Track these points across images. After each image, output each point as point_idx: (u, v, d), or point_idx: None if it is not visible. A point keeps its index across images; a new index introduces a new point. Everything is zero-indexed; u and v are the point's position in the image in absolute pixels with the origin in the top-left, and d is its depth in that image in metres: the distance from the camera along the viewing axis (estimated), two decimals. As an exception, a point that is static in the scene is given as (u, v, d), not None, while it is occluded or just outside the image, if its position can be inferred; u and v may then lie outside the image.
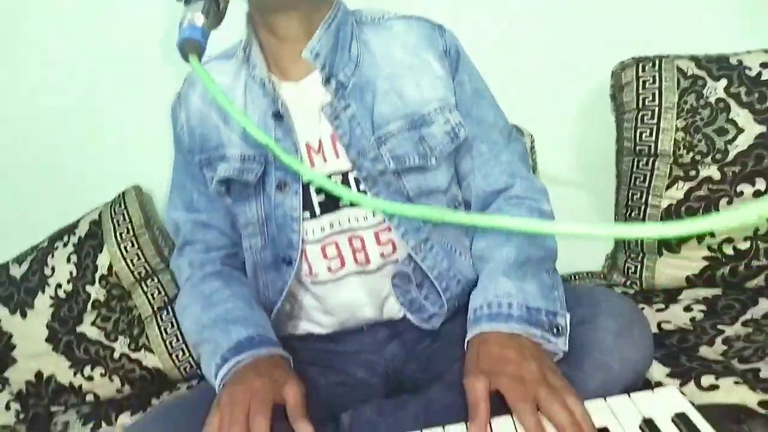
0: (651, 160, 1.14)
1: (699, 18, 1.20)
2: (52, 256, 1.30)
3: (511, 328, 0.68)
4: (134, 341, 1.26)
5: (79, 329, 1.27)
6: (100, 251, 1.26)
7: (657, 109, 1.11)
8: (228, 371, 0.74)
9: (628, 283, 1.23)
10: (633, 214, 1.18)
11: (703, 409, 0.55)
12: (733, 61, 1.11)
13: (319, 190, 0.80)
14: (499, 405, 0.61)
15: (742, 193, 1.08)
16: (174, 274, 0.94)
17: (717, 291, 1.13)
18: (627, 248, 1.22)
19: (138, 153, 1.35)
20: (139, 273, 1.25)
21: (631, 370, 0.68)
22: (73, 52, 1.30)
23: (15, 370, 1.31)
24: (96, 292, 1.26)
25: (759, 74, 1.08)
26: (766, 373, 0.86)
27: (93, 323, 1.26)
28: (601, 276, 1.32)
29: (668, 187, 1.13)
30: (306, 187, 0.80)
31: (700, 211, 1.11)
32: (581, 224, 0.30)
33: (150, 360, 1.27)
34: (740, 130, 1.07)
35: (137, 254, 1.25)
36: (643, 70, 1.13)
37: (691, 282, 1.16)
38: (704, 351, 0.96)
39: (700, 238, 1.12)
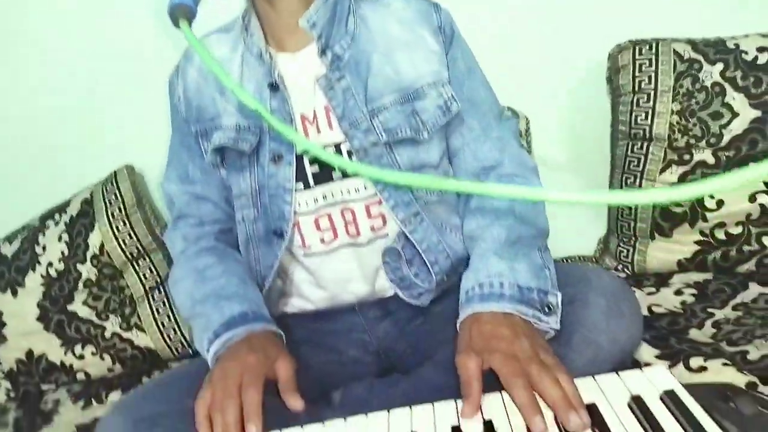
0: (645, 144, 1.14)
1: (697, 1, 1.19)
2: (44, 234, 1.30)
3: (502, 307, 0.68)
4: (126, 320, 1.26)
5: (70, 308, 1.26)
6: (92, 230, 1.25)
7: (653, 92, 1.11)
8: (221, 346, 0.74)
9: (620, 267, 1.23)
10: (626, 198, 1.17)
11: (691, 388, 0.55)
12: (730, 44, 1.10)
13: (312, 162, 0.81)
14: (490, 383, 0.61)
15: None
16: (168, 247, 0.94)
17: (708, 275, 1.14)
18: (619, 232, 1.22)
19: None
20: (131, 253, 1.25)
21: (620, 348, 0.68)
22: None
23: (6, 348, 1.31)
24: (87, 271, 1.25)
25: (755, 58, 1.08)
26: (754, 355, 0.87)
27: (84, 302, 1.26)
28: (593, 260, 1.32)
29: (662, 171, 1.13)
30: (300, 159, 0.81)
31: (693, 195, 1.11)
32: (574, 192, 0.30)
33: (141, 339, 1.26)
34: (735, 115, 1.07)
35: (129, 234, 1.25)
36: (640, 53, 1.12)
37: (683, 266, 1.16)
38: (694, 334, 0.96)
39: (692, 222, 1.12)
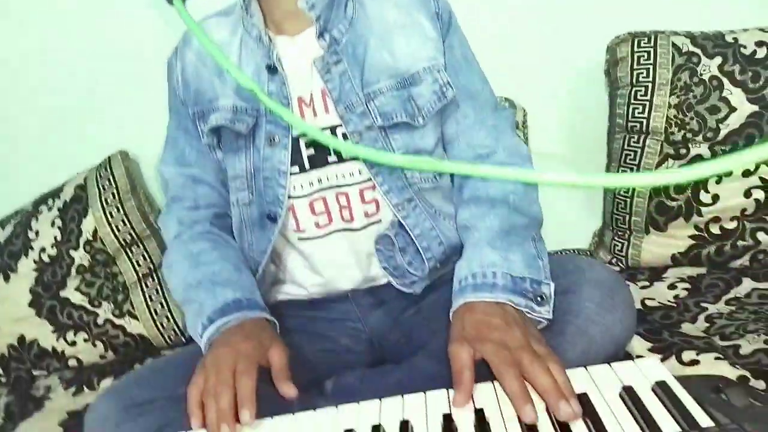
0: (642, 137, 1.13)
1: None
2: (36, 220, 1.29)
3: (495, 296, 0.67)
4: (118, 307, 1.25)
5: (62, 294, 1.26)
6: (85, 216, 1.24)
7: (651, 85, 1.11)
8: (214, 332, 0.74)
9: (614, 260, 1.23)
10: (622, 191, 1.17)
11: (683, 380, 0.55)
12: (729, 38, 1.10)
13: (309, 145, 0.81)
14: (482, 373, 0.61)
15: (731, 172, 1.08)
16: (161, 231, 0.93)
17: (702, 270, 1.14)
18: (614, 226, 1.22)
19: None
20: (124, 239, 1.24)
21: (613, 340, 0.68)
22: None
23: (-3, 333, 1.30)
24: (80, 257, 1.24)
25: (754, 53, 1.07)
26: (746, 349, 0.87)
27: (77, 288, 1.25)
28: (588, 253, 1.32)
29: (658, 165, 1.13)
30: (296, 142, 0.81)
31: (689, 189, 1.11)
32: (569, 173, 0.29)
33: (134, 327, 1.26)
34: (732, 109, 1.07)
35: (122, 220, 1.24)
36: (639, 45, 1.12)
37: (677, 261, 1.17)
38: (686, 327, 0.97)
39: (687, 216, 1.12)
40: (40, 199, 1.33)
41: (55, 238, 1.26)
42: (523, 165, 0.85)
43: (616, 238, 1.22)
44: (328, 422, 0.60)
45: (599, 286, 0.69)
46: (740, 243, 1.11)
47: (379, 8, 0.83)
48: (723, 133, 1.08)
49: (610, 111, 1.20)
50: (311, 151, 0.81)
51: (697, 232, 1.14)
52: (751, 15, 1.14)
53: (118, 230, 1.24)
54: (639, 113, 1.12)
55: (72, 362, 1.29)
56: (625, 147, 1.16)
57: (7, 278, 1.28)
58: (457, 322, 0.68)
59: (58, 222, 1.26)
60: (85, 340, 1.26)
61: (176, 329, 1.27)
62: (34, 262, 1.26)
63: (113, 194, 1.24)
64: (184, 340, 1.28)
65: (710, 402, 0.51)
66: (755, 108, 1.06)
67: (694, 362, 0.86)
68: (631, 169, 1.16)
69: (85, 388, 1.20)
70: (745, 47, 1.08)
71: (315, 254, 0.84)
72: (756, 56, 1.07)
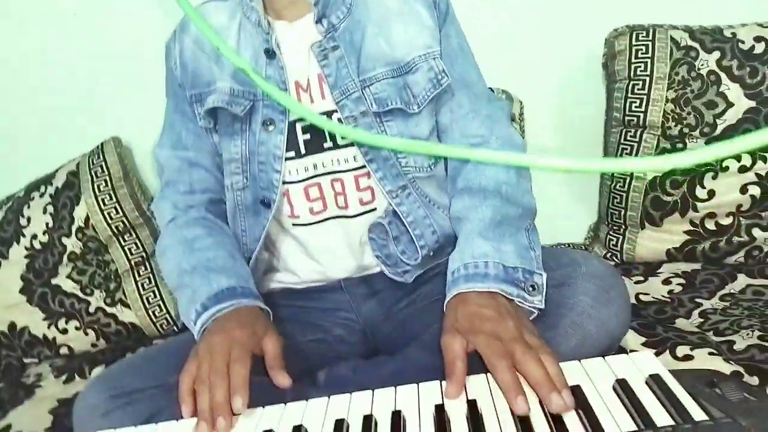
0: (639, 131, 1.13)
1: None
2: (28, 206, 1.28)
3: (487, 286, 0.67)
4: (110, 296, 1.25)
5: (54, 281, 1.25)
6: (77, 203, 1.23)
7: (648, 79, 1.10)
8: (208, 319, 0.73)
9: (609, 255, 1.23)
10: (618, 186, 1.17)
11: (677, 374, 0.55)
12: (727, 33, 1.09)
13: (305, 130, 0.81)
14: (476, 365, 0.60)
15: (727, 168, 1.08)
16: (156, 216, 0.93)
17: (697, 266, 1.14)
18: (609, 220, 1.21)
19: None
20: (117, 227, 1.23)
21: (608, 334, 0.68)
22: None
23: (-12, 320, 1.29)
24: (72, 244, 1.24)
25: (752, 48, 1.07)
26: (740, 345, 0.87)
27: (68, 276, 1.24)
28: (583, 248, 1.31)
29: (655, 159, 1.12)
30: (292, 126, 0.81)
31: (685, 184, 1.10)
32: (565, 158, 0.29)
33: (126, 315, 1.25)
34: (730, 104, 1.07)
35: (115, 207, 1.23)
36: (637, 38, 1.11)
37: (672, 256, 1.16)
38: (680, 323, 0.96)
39: (683, 212, 1.12)
40: (33, 185, 1.32)
41: (47, 224, 1.25)
42: None
43: (611, 232, 1.22)
44: (319, 412, 0.59)
45: (595, 280, 0.69)
46: (735, 239, 1.11)
47: None
48: (720, 128, 1.07)
49: (607, 104, 1.19)
50: (307, 136, 0.81)
51: (692, 228, 1.13)
52: (750, 10, 1.13)
53: (111, 218, 1.23)
54: (636, 107, 1.12)
55: (63, 350, 1.28)
56: (622, 141, 1.16)
57: (-2, 265, 1.27)
58: (450, 314, 0.68)
59: (50, 209, 1.25)
60: (77, 328, 1.26)
61: (168, 318, 1.26)
62: (26, 248, 1.25)
63: (106, 181, 1.23)
64: (176, 329, 1.28)
65: (704, 396, 0.51)
66: (752, 104, 1.06)
67: (687, 357, 0.86)
68: (628, 164, 1.15)
69: (76, 377, 1.19)
70: (743, 42, 1.08)
71: (309, 241, 0.84)
72: (754, 51, 1.07)
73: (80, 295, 1.25)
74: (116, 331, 1.26)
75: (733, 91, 1.06)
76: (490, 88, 0.92)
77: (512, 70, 1.21)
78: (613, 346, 0.71)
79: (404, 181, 0.82)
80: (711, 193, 1.10)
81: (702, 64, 1.08)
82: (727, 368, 0.82)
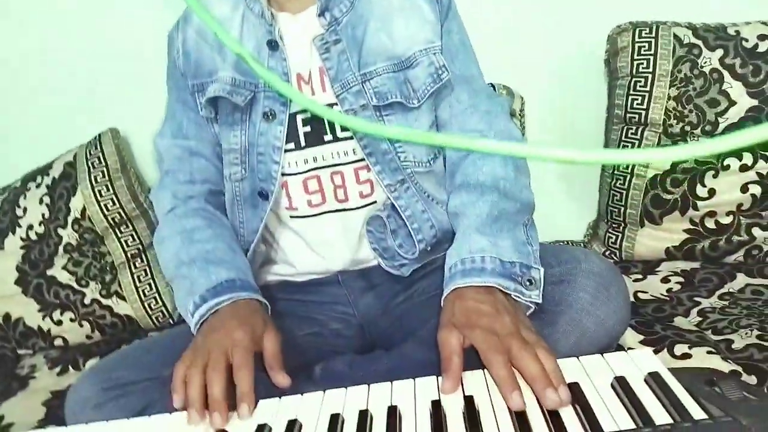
0: (640, 129, 1.12)
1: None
2: (24, 197, 1.27)
3: (484, 280, 0.67)
4: (106, 287, 1.24)
5: (49, 273, 1.24)
6: (74, 194, 1.23)
7: (650, 76, 1.09)
8: (207, 311, 0.73)
9: (608, 253, 1.22)
10: (618, 184, 1.16)
11: (676, 372, 0.54)
12: (731, 31, 1.09)
13: (305, 122, 0.81)
14: (472, 360, 0.60)
15: (728, 166, 1.07)
16: (154, 206, 0.92)
17: (696, 264, 1.13)
18: (609, 218, 1.21)
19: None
20: (113, 219, 1.22)
21: (607, 332, 0.67)
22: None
23: (-18, 311, 1.28)
24: (68, 235, 1.23)
25: (755, 46, 1.06)
26: (738, 344, 0.87)
27: (64, 267, 1.24)
28: (582, 245, 1.31)
29: (655, 157, 1.11)
30: (292, 118, 0.81)
31: (685, 182, 1.10)
32: (565, 148, 0.28)
33: (121, 307, 1.25)
34: (732, 103, 1.06)
35: (112, 199, 1.22)
36: (640, 35, 1.10)
37: (671, 254, 1.16)
38: (679, 321, 0.96)
39: (683, 210, 1.11)
40: (29, 175, 1.31)
41: (43, 215, 1.24)
42: None
43: (610, 230, 1.22)
44: (315, 407, 0.59)
45: (595, 277, 0.68)
46: (735, 238, 1.11)
47: None
48: (722, 126, 1.06)
49: (608, 101, 1.19)
50: (308, 128, 0.81)
51: (692, 226, 1.13)
52: (754, 8, 1.13)
53: (107, 209, 1.22)
54: (638, 104, 1.11)
55: (58, 342, 1.27)
56: (623, 138, 1.15)
57: (-7, 255, 1.26)
58: (447, 309, 0.67)
59: (47, 199, 1.24)
60: (72, 320, 1.25)
61: (164, 311, 1.26)
62: (22, 239, 1.24)
63: (103, 172, 1.22)
64: (171, 322, 1.27)
65: (703, 394, 0.50)
66: (755, 102, 1.05)
67: (686, 356, 0.85)
68: (628, 161, 1.15)
69: (70, 368, 1.19)
70: (746, 40, 1.07)
71: (307, 233, 0.84)
72: (758, 50, 1.06)
73: (76, 286, 1.24)
74: (111, 323, 1.25)
75: (735, 89, 1.06)
76: (492, 84, 0.91)
77: (514, 66, 1.20)
78: (611, 344, 0.70)
79: (403, 176, 0.81)
80: (711, 192, 1.09)
81: (705, 62, 1.07)
82: (725, 367, 0.81)
